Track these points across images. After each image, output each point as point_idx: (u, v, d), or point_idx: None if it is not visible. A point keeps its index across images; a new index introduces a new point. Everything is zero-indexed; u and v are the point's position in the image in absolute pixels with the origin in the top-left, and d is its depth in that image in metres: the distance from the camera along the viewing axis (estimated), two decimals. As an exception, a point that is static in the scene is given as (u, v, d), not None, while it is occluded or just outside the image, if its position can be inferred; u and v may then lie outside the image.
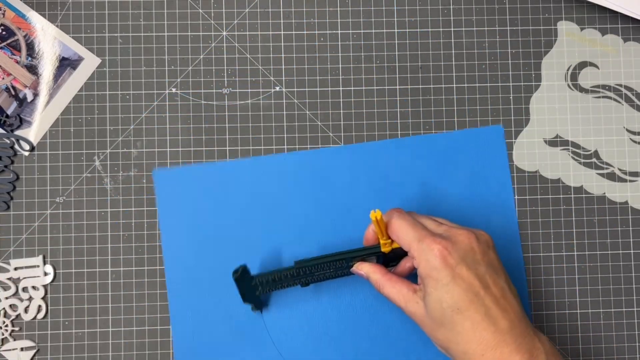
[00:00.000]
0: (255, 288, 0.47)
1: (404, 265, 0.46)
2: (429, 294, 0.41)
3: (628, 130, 0.54)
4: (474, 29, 0.54)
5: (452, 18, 0.54)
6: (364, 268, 0.46)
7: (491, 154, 0.53)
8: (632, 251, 0.53)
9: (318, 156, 0.53)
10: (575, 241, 0.53)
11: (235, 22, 0.54)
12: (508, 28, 0.54)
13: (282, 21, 0.54)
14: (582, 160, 0.53)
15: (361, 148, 0.53)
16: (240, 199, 0.52)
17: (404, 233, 0.43)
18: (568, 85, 0.54)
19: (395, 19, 0.54)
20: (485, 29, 0.54)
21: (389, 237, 0.44)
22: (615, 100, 0.54)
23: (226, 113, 0.53)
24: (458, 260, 0.40)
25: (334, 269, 0.47)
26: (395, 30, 0.54)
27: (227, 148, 0.53)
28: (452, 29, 0.54)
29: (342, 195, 0.52)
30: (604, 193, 0.53)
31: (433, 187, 0.52)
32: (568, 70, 0.54)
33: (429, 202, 0.52)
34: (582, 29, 0.54)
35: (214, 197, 0.51)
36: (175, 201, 0.51)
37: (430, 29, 0.54)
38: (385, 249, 0.45)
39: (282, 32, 0.54)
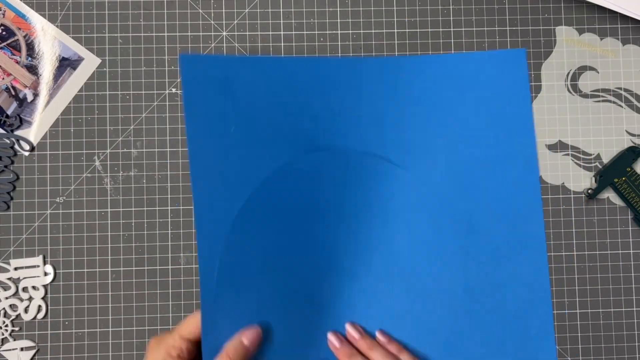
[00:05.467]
0: None
1: None
2: None
3: (628, 133, 0.54)
4: (474, 29, 0.54)
5: (452, 18, 0.54)
6: None
7: (511, 82, 0.45)
8: (631, 251, 0.53)
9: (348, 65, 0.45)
10: (575, 241, 0.53)
11: (235, 22, 0.54)
12: (508, 28, 0.54)
13: (282, 21, 0.54)
14: (583, 164, 0.53)
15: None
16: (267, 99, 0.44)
17: None
18: (568, 90, 0.54)
19: (395, 19, 0.54)
20: (485, 29, 0.54)
21: None
22: (615, 103, 0.54)
23: (226, 113, 0.53)
24: None
25: None
26: (395, 31, 0.54)
27: (227, 148, 0.53)
28: (452, 29, 0.54)
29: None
30: (607, 196, 0.53)
31: (442, 111, 0.45)
32: (568, 75, 0.54)
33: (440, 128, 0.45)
34: (580, 34, 0.54)
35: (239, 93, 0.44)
36: (203, 94, 0.44)
37: (430, 29, 0.54)
38: None
39: (282, 32, 0.54)
